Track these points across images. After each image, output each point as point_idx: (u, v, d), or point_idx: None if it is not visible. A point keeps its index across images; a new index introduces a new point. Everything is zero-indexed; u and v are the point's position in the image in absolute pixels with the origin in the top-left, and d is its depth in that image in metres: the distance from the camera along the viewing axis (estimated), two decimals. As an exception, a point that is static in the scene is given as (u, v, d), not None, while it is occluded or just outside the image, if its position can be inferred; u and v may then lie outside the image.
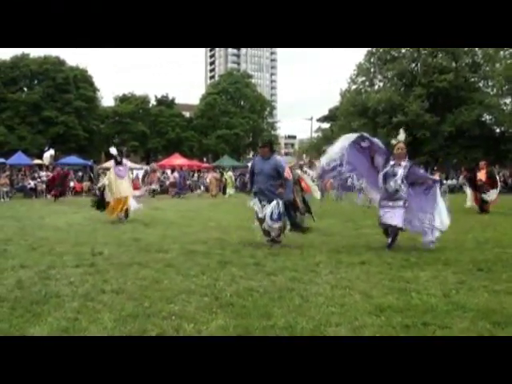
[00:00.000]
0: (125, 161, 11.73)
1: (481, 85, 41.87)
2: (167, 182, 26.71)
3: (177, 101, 58.21)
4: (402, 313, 3.79)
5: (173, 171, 27.73)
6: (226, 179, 25.76)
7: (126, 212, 10.99)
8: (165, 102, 56.26)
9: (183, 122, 55.75)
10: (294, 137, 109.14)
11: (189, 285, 4.68)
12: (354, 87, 45.05)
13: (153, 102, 56.65)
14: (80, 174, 29.17)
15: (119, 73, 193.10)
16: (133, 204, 11.17)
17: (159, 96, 57.01)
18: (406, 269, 5.52)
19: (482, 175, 14.24)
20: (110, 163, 11.79)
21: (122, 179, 10.96)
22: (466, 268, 5.57)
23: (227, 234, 8.61)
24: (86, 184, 26.26)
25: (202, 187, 28.66)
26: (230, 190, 24.93)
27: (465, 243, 7.59)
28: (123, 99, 54.62)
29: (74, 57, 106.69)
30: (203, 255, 6.36)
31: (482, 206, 13.90)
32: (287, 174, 7.15)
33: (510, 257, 6.34)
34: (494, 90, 39.17)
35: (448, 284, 4.78)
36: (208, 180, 26.45)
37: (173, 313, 3.77)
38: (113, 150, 11.22)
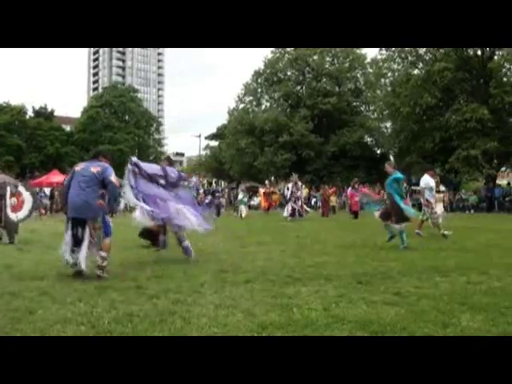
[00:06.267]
0: None
1: (362, 109, 45.51)
2: (44, 201, 25.13)
3: (56, 113, 55.15)
4: (283, 328, 3.84)
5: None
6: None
7: None
8: (43, 114, 52.92)
9: (63, 136, 52.81)
10: (183, 154, 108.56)
11: (65, 313, 4.35)
12: (241, 106, 46.23)
13: (30, 113, 52.94)
14: None
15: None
16: None
17: (37, 107, 53.50)
18: (289, 285, 5.64)
19: None
20: None
21: None
22: (346, 282, 5.81)
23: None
24: None
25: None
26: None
27: (346, 258, 7.97)
28: (-3, 109, 50.34)
29: None
30: (81, 280, 5.97)
31: None
32: None
33: (387, 269, 6.75)
34: (375, 115, 42.47)
35: (328, 298, 4.94)
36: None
37: (45, 345, 3.47)
38: None
